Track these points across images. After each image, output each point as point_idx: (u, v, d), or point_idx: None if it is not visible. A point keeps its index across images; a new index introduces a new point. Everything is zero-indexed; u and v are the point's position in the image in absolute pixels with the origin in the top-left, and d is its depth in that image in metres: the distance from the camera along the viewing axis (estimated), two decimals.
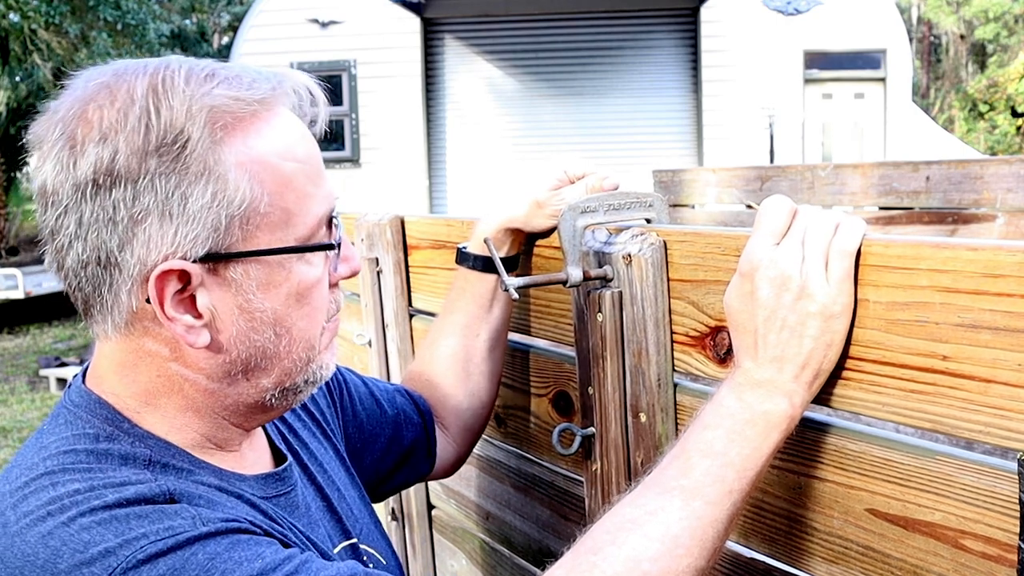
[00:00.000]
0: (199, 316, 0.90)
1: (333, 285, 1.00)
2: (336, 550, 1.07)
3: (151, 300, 0.88)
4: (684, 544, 0.86)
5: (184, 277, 0.88)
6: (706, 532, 0.87)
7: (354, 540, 1.12)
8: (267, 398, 0.97)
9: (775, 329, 0.90)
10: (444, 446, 1.38)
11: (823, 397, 0.94)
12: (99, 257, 0.88)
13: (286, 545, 0.90)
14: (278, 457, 1.09)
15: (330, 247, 0.96)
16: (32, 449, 0.91)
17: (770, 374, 0.91)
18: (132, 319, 0.91)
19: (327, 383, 1.28)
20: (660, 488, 0.90)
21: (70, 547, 0.79)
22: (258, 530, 0.88)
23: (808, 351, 0.89)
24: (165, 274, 0.87)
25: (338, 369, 1.32)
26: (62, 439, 0.91)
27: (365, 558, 1.12)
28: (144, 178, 0.85)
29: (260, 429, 1.09)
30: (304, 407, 1.22)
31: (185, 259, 0.87)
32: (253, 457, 1.04)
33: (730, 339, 1.04)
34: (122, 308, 0.90)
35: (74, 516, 0.81)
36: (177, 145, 0.85)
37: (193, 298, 0.89)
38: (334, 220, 0.98)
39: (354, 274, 1.02)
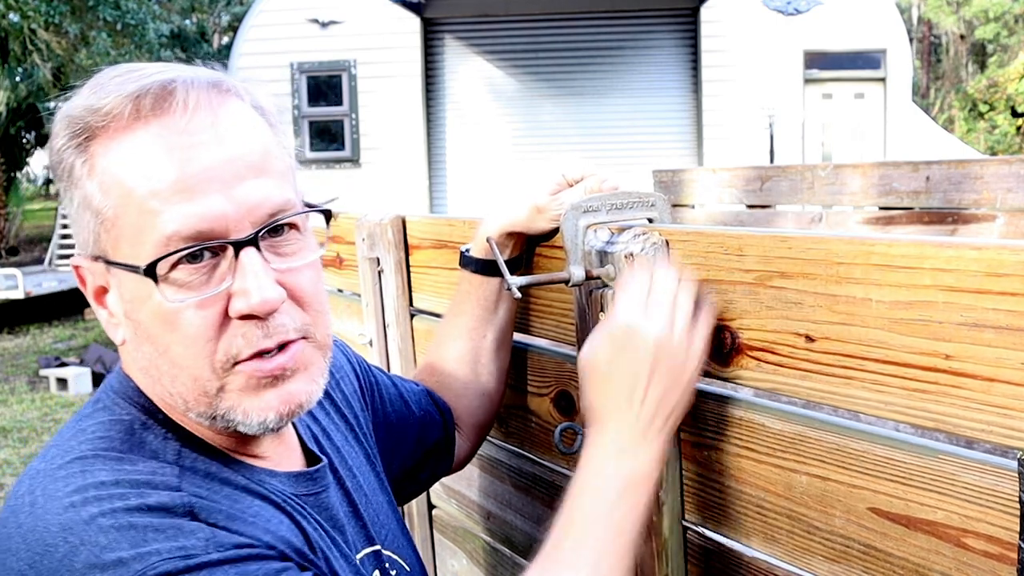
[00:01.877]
0: (111, 313, 0.95)
1: (248, 317, 0.90)
2: (359, 556, 1.07)
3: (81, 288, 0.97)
4: None
5: (91, 273, 0.95)
6: None
7: (377, 547, 1.12)
8: (194, 416, 0.94)
9: (627, 398, 1.00)
10: (458, 444, 1.40)
11: (824, 396, 0.94)
12: None
13: (305, 557, 0.92)
14: (310, 459, 1.09)
15: (146, 272, 0.88)
16: (71, 431, 0.94)
17: (629, 437, 1.00)
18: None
19: (360, 385, 1.29)
20: (563, 564, 0.96)
21: (87, 547, 0.81)
22: (273, 552, 0.89)
23: (673, 402, 1.01)
24: (75, 267, 0.97)
25: (370, 369, 1.33)
26: (99, 423, 0.93)
27: (387, 564, 1.12)
28: (58, 182, 0.95)
29: (291, 430, 1.09)
30: (338, 409, 1.22)
31: (85, 256, 0.95)
32: (279, 459, 1.04)
33: (733, 338, 1.04)
34: None
35: (95, 514, 0.82)
36: (58, 153, 0.94)
37: (107, 293, 0.95)
38: (206, 252, 0.89)
39: (253, 311, 0.89)
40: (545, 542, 0.99)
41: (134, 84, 0.90)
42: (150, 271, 0.88)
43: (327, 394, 1.20)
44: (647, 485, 1.00)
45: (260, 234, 0.91)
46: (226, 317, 0.90)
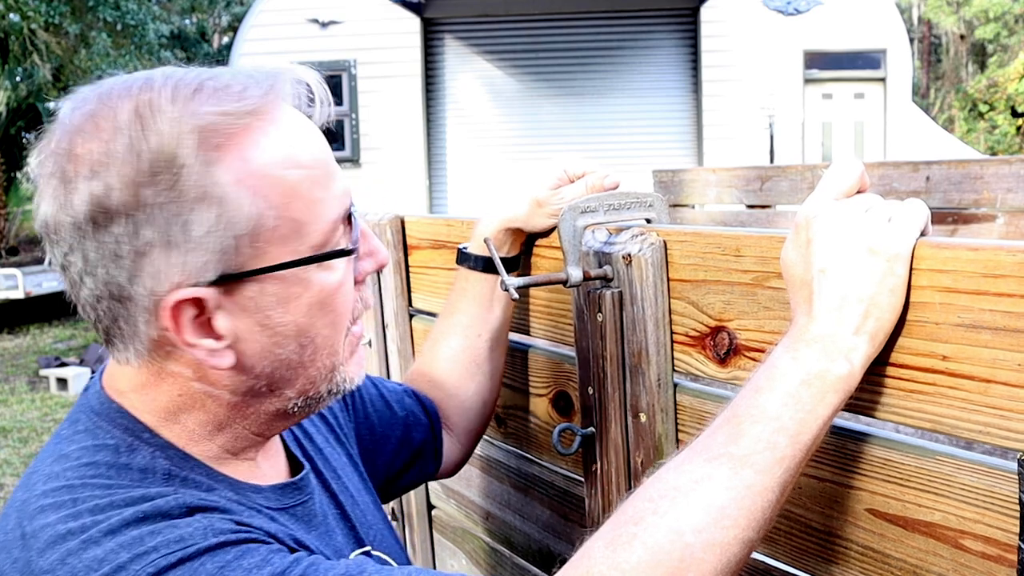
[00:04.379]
0: (220, 338, 0.88)
1: (360, 282, 0.97)
2: (350, 558, 1.07)
3: (168, 329, 0.86)
4: (731, 515, 0.81)
5: (198, 303, 0.86)
6: (755, 502, 0.82)
7: (367, 548, 1.11)
8: (290, 407, 0.96)
9: (832, 277, 0.84)
10: (449, 446, 1.39)
11: None
12: (111, 292, 0.86)
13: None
14: (294, 464, 1.08)
15: (346, 253, 0.93)
16: (52, 456, 0.91)
17: (827, 328, 0.84)
18: (153, 346, 0.89)
19: None
20: (707, 455, 0.84)
21: (85, 564, 0.79)
22: (271, 540, 0.88)
23: (870, 296, 0.83)
24: (179, 304, 0.85)
25: None
26: (83, 448, 0.90)
27: None
28: (141, 210, 0.82)
29: (276, 436, 1.07)
30: (318, 412, 1.21)
31: (197, 285, 0.85)
32: (267, 465, 1.03)
33: (731, 339, 1.04)
34: (142, 337, 0.88)
35: (95, 536, 0.81)
36: (170, 172, 0.82)
37: (211, 321, 0.87)
38: (352, 217, 0.94)
39: (381, 267, 1.00)
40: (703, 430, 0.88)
41: (267, 83, 0.88)
42: (350, 250, 0.92)
43: None
44: (823, 390, 0.83)
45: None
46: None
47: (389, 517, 1.93)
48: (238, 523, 0.87)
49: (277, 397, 0.95)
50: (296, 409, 0.97)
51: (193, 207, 0.83)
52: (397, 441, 1.32)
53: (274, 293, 0.88)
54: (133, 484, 0.87)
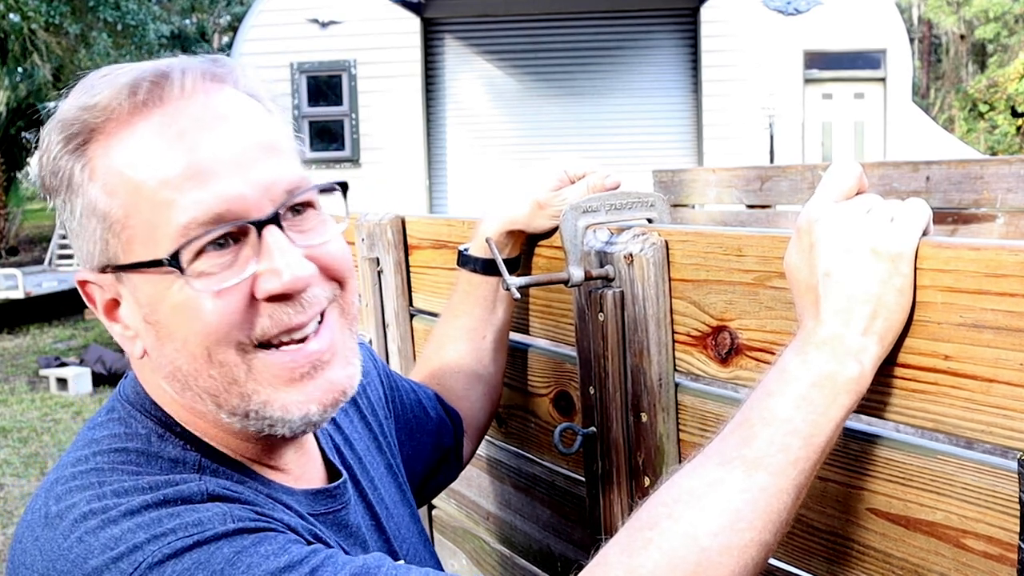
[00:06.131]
0: (127, 327, 0.91)
1: (283, 298, 0.88)
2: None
3: (94, 305, 0.93)
4: (746, 518, 0.80)
5: (101, 287, 0.91)
6: (770, 504, 0.81)
7: (401, 561, 1.10)
8: (237, 426, 0.91)
9: (837, 279, 0.83)
10: (464, 448, 1.39)
11: None
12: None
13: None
14: (331, 471, 1.06)
15: (159, 264, 0.85)
16: (83, 441, 0.92)
17: (836, 330, 0.83)
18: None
19: (384, 391, 1.26)
20: (720, 458, 0.84)
21: (101, 543, 0.80)
22: (290, 532, 0.87)
23: (876, 296, 0.82)
24: (81, 283, 0.92)
25: (391, 374, 1.31)
26: (114, 435, 0.91)
27: None
28: (55, 195, 0.91)
29: (312, 441, 1.05)
30: (362, 416, 1.19)
31: (93, 270, 0.91)
32: (300, 471, 1.01)
33: (732, 338, 1.04)
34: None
35: (114, 517, 0.81)
36: (55, 163, 0.89)
37: (118, 308, 0.91)
38: (224, 229, 0.86)
39: (287, 290, 0.87)
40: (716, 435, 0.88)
41: (127, 76, 0.88)
42: (174, 260, 0.84)
43: (353, 400, 1.17)
44: (834, 392, 0.83)
45: (282, 212, 0.88)
46: (252, 300, 0.87)
47: None
48: (258, 513, 0.86)
49: (210, 410, 0.91)
50: (241, 422, 0.91)
51: (71, 198, 0.89)
52: (431, 447, 1.32)
53: (144, 290, 0.88)
54: (163, 472, 0.88)
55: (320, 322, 0.92)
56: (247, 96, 0.93)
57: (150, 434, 0.91)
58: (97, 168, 0.87)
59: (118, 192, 0.86)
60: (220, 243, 0.86)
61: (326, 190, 0.95)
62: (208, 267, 0.86)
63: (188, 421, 0.93)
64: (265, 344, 0.89)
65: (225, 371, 0.88)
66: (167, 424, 0.93)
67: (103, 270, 0.90)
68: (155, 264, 0.86)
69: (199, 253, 0.86)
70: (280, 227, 0.88)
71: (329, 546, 0.91)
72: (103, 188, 0.87)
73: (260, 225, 0.87)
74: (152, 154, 0.86)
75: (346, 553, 0.93)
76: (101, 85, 0.88)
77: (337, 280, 0.94)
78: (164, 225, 0.85)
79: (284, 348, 0.90)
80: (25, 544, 0.84)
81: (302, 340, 0.90)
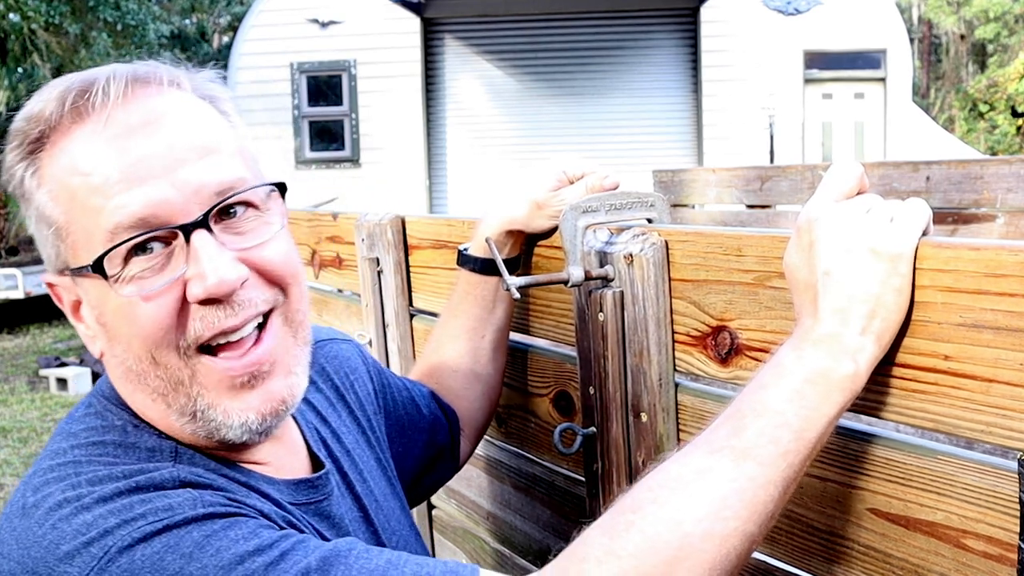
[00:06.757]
0: (88, 327, 0.94)
1: (209, 301, 0.88)
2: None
3: (61, 303, 0.95)
4: (732, 506, 0.80)
5: (60, 288, 0.94)
6: (757, 495, 0.81)
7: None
8: (188, 429, 0.92)
9: (836, 278, 0.83)
10: (461, 447, 1.40)
11: None
12: None
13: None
14: (317, 463, 1.07)
15: (80, 271, 0.88)
16: (61, 435, 0.93)
17: (832, 328, 0.83)
18: None
19: (374, 387, 1.27)
20: (709, 447, 0.84)
21: (74, 528, 0.81)
22: (261, 517, 0.88)
23: (875, 296, 0.82)
24: (49, 285, 0.95)
25: (382, 371, 1.32)
26: (91, 428, 0.93)
27: None
28: (19, 200, 0.93)
29: (295, 433, 1.06)
30: (351, 412, 1.20)
31: (54, 272, 0.93)
32: (280, 463, 1.01)
33: (732, 338, 1.04)
34: None
35: (87, 504, 0.82)
36: (9, 170, 0.92)
37: (80, 308, 0.94)
38: (147, 234, 0.86)
39: (210, 294, 0.87)
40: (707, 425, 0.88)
41: (61, 86, 0.90)
42: (97, 267, 0.86)
43: (341, 396, 1.19)
44: (828, 389, 0.83)
45: (210, 215, 0.88)
46: (185, 304, 0.88)
47: None
48: (230, 499, 0.87)
49: (162, 409, 0.92)
50: (191, 425, 0.91)
51: (26, 204, 0.92)
52: (423, 444, 1.33)
53: (93, 295, 0.91)
54: (139, 461, 0.89)
55: (263, 328, 0.92)
56: (197, 99, 0.94)
57: (126, 425, 0.93)
58: (44, 175, 0.90)
59: (60, 199, 0.89)
60: (148, 247, 0.87)
61: (258, 186, 0.93)
62: (138, 271, 0.88)
63: (154, 419, 0.94)
64: (205, 348, 0.90)
65: (170, 373, 0.90)
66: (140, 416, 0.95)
67: (61, 273, 0.93)
68: (85, 270, 0.88)
69: (128, 258, 0.87)
70: (209, 230, 0.88)
71: (303, 532, 0.92)
72: (49, 195, 0.90)
73: (187, 229, 0.87)
74: (85, 160, 0.87)
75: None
76: (43, 94, 0.91)
77: (279, 285, 0.94)
78: (95, 230, 0.88)
79: (223, 355, 0.91)
80: (3, 535, 0.85)
81: (239, 343, 0.91)
